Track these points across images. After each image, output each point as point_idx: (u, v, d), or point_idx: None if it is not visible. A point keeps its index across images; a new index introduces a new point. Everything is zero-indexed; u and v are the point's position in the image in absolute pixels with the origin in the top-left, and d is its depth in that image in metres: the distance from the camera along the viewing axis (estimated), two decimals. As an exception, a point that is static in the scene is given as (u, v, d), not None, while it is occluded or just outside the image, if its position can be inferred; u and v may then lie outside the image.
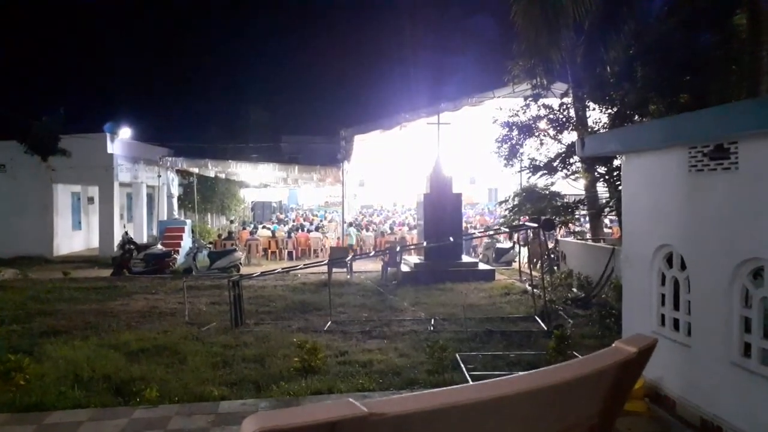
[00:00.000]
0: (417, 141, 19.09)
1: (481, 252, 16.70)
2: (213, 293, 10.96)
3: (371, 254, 11.89)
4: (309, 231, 19.90)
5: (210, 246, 16.58)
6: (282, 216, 28.81)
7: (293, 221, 25.51)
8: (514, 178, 17.05)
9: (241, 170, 19.93)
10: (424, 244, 11.98)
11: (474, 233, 14.75)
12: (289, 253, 18.13)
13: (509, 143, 12.24)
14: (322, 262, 10.58)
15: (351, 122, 17.72)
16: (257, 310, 9.23)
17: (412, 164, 24.96)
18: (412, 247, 13.14)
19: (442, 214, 13.18)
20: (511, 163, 12.45)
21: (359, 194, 42.36)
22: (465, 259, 13.99)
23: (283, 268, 10.13)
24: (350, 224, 21.28)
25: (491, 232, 14.05)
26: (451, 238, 10.28)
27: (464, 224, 18.88)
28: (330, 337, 7.43)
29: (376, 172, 29.62)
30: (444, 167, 14.07)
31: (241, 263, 15.11)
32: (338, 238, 19.09)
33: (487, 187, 40.99)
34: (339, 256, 13.14)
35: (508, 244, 16.50)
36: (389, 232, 19.52)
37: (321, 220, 25.35)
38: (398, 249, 12.02)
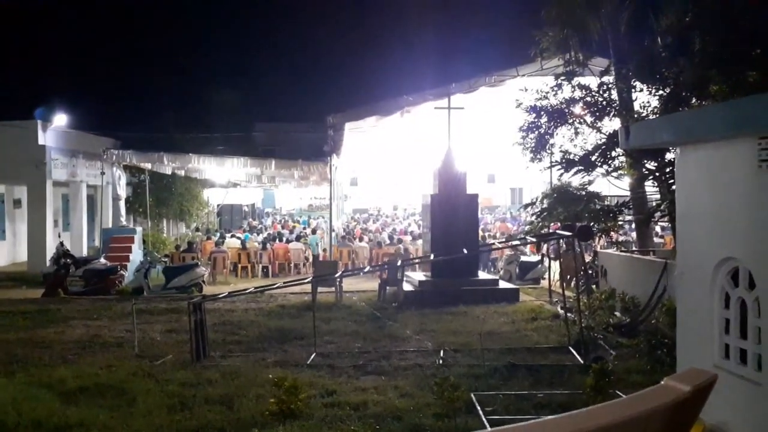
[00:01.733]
0: (422, 130, 19.18)
1: (501, 267, 16.78)
2: (169, 319, 11.00)
3: (366, 270, 12.04)
4: (288, 241, 19.96)
5: (166, 260, 16.64)
6: (255, 223, 28.80)
7: (269, 229, 25.59)
8: (542, 175, 17.14)
9: (205, 166, 19.92)
10: (431, 257, 12.00)
11: (493, 244, 14.66)
12: (264, 269, 18.26)
13: (536, 132, 12.33)
14: (304, 279, 10.48)
15: (341, 106, 17.92)
16: (224, 340, 9.30)
17: (416, 159, 25.09)
18: (417, 261, 13.16)
19: (453, 219, 13.20)
20: (538, 157, 12.53)
21: (351, 195, 42.47)
22: (482, 275, 13.99)
23: (256, 288, 10.19)
24: (314, 230, 21.61)
25: (514, 243, 14.00)
26: (465, 250, 10.37)
27: (481, 232, 19.03)
28: (314, 372, 7.48)
29: (372, 168, 29.85)
30: (456, 162, 14.04)
31: (204, 281, 15.18)
32: (324, 250, 19.23)
33: (509, 187, 41.56)
34: (326, 272, 13.09)
35: (535, 258, 16.52)
36: (388, 242, 19.61)
37: (304, 228, 25.46)
38: (399, 263, 12.02)
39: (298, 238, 20.37)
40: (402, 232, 23.14)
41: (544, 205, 12.81)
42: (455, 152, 14.28)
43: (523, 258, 16.62)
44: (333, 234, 19.56)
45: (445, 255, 11.32)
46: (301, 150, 19.85)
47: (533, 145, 12.49)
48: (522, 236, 13.19)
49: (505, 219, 29.36)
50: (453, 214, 13.28)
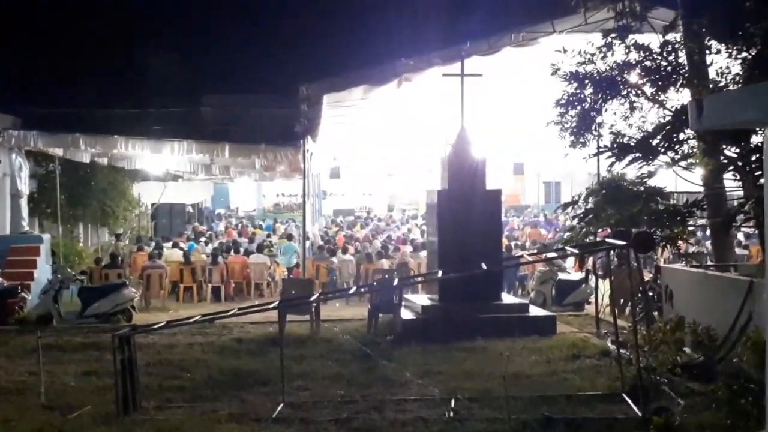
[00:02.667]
0: (427, 105, 19.35)
1: (533, 287, 16.89)
2: (87, 357, 10.93)
3: (351, 292, 12.17)
4: (248, 253, 20.03)
5: (82, 278, 16.53)
6: (203, 228, 28.85)
7: (221, 237, 25.61)
8: (586, 165, 17.08)
9: (136, 152, 19.90)
10: (439, 274, 11.96)
11: (521, 256, 14.60)
12: (216, 290, 18.41)
13: (579, 108, 12.34)
14: (269, 304, 10.53)
15: (317, 73, 17.94)
16: (161, 385, 9.31)
17: (418, 143, 25.43)
18: (420, 279, 13.29)
19: (468, 224, 13.21)
20: (581, 140, 12.59)
21: (332, 192, 42.29)
22: (507, 299, 14.06)
23: (204, 315, 10.11)
24: (289, 236, 21.69)
25: (550, 255, 14.04)
26: (484, 265, 10.03)
27: (505, 241, 19.10)
28: (282, 429, 7.47)
29: (360, 156, 30.04)
30: (472, 147, 14.05)
31: (134, 307, 15.20)
32: (297, 265, 19.18)
33: (543, 180, 42.61)
34: (298, 294, 13.07)
35: (577, 275, 16.62)
36: (381, 253, 19.69)
37: (268, 235, 25.42)
38: (396, 283, 12.00)
39: (260, 249, 20.27)
40: (400, 241, 23.05)
41: (589, 205, 12.74)
42: (471, 134, 14.18)
43: (562, 276, 16.56)
44: (307, 244, 19.42)
45: (457, 271, 11.22)
46: (264, 131, 19.27)
47: (575, 124, 12.45)
48: (560, 246, 12.77)
49: (538, 223, 29.57)
50: (468, 217, 13.22)
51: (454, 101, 14.72)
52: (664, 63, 12.00)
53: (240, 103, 21.61)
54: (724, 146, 11.41)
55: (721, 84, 11.32)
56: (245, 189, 42.24)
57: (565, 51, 12.70)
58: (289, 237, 22.59)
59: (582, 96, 12.41)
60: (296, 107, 17.30)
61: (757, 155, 10.67)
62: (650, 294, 12.43)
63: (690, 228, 12.83)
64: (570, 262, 18.03)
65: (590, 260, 15.24)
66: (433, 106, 18.86)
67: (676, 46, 12.02)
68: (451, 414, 7.90)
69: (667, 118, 12.01)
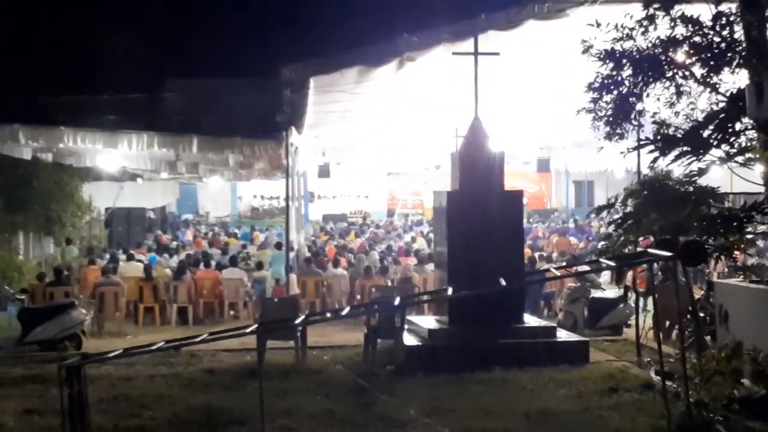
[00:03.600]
0: (434, 89, 19.49)
1: (561, 307, 17.04)
2: (29, 392, 10.88)
3: (344, 313, 11.82)
4: (221, 266, 20.15)
5: (22, 298, 16.56)
6: (167, 238, 29.11)
7: (189, 247, 25.83)
8: (625, 161, 17.27)
9: (87, 146, 19.92)
10: (449, 292, 11.58)
11: (548, 270, 14.14)
12: (182, 311, 18.46)
13: (616, 93, 12.34)
14: (246, 327, 10.31)
15: (303, 53, 19.84)
16: (117, 426, 9.28)
17: (423, 136, 25.46)
18: (426, 298, 13.45)
19: (483, 231, 13.26)
20: (618, 131, 12.65)
21: (321, 193, 42.93)
22: (530, 321, 13.99)
23: (168, 342, 9.79)
24: (278, 245, 22.05)
25: (582, 269, 14.07)
26: (503, 281, 9.97)
27: (528, 252, 19.30)
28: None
29: (354, 151, 30.90)
30: (488, 140, 14.11)
31: (84, 331, 15.16)
32: (278, 281, 18.99)
33: (573, 180, 45.09)
34: (281, 315, 13.19)
35: (614, 292, 16.69)
36: (380, 267, 19.88)
37: (244, 245, 25.56)
38: (398, 302, 11.61)
39: (234, 262, 20.23)
40: (401, 252, 23.27)
41: (629, 209, 12.68)
42: (486, 125, 14.21)
43: (595, 293, 16.66)
44: (291, 255, 19.24)
45: (471, 289, 11.13)
46: (239, 121, 20.02)
47: (610, 112, 12.46)
48: (593, 258, 13.02)
49: (567, 230, 29.85)
50: (483, 224, 13.29)
51: (467, 86, 14.65)
52: (716, 39, 11.84)
53: (211, 88, 21.65)
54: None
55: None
56: (217, 190, 42.15)
57: (598, 25, 12.52)
58: (278, 245, 22.58)
59: (619, 78, 12.34)
60: (278, 93, 17.31)
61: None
62: (701, 315, 12.44)
63: (749, 236, 12.50)
64: (605, 276, 18.21)
65: (629, 274, 15.33)
66: (442, 91, 18.94)
67: (732, 18, 11.80)
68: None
69: (721, 105, 11.95)
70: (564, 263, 18.30)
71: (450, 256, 13.48)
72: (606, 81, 12.50)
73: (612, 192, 15.95)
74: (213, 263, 20.64)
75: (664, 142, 12.12)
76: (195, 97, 21.07)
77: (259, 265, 20.43)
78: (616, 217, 13.00)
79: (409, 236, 29.10)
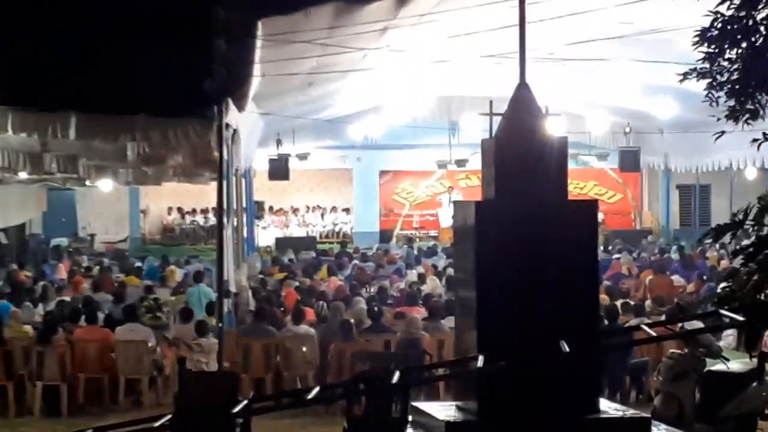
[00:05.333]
0: (452, 41, 20.88)
1: (660, 387, 16.55)
2: None
3: (311, 396, 11.42)
4: (113, 321, 19.89)
5: None
6: (27, 275, 29.19)
7: (64, 290, 25.87)
8: (759, 152, 17.72)
9: None
10: (479, 362, 10.85)
11: (638, 327, 13.92)
12: (51, 393, 18.29)
13: (745, 44, 11.28)
14: (154, 420, 9.76)
15: None
16: None
17: (435, 113, 25.08)
18: (442, 373, 13.72)
19: (533, 266, 12.45)
20: (749, 107, 11.47)
21: (273, 203, 44.82)
22: (609, 408, 12.92)
23: None
24: (198, 276, 22.86)
25: (691, 326, 14.16)
26: (565, 345, 9.90)
27: (605, 297, 19.90)
28: None
29: (326, 138, 33.26)
30: (541, 119, 13.47)
31: None
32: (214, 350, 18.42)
33: (676, 183, 43.98)
34: (209, 399, 13.19)
35: (743, 364, 16.33)
36: (370, 321, 19.94)
37: (149, 288, 25.44)
38: (397, 378, 11.10)
39: (133, 314, 19.86)
40: (403, 299, 23.27)
41: (766, 230, 11.88)
42: (539, 97, 13.47)
43: (714, 365, 16.25)
44: (227, 304, 19.32)
45: (513, 357, 10.50)
46: (144, 91, 19.23)
47: (736, 76, 11.42)
48: (710, 308, 12.11)
49: (667, 264, 29.81)
50: (533, 254, 12.42)
51: (506, 36, 15.13)
52: None
53: (97, 39, 20.82)
54: None
55: None
56: (108, 200, 42.73)
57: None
58: (198, 276, 22.96)
59: (751, 22, 11.20)
60: (205, 45, 17.59)
61: None
62: None
63: None
64: (729, 339, 18.29)
65: (767, 337, 16.03)
66: (463, 44, 20.26)
67: None
68: None
69: None
70: (662, 317, 18.59)
71: (480, 305, 12.30)
72: (730, 26, 11.61)
73: (738, 203, 15.45)
74: (101, 316, 20.18)
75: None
76: (71, 52, 20.52)
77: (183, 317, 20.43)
78: (745, 243, 12.04)
79: (415, 273, 28.79)
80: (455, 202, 15.08)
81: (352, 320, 20.03)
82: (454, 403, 12.82)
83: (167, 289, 25.98)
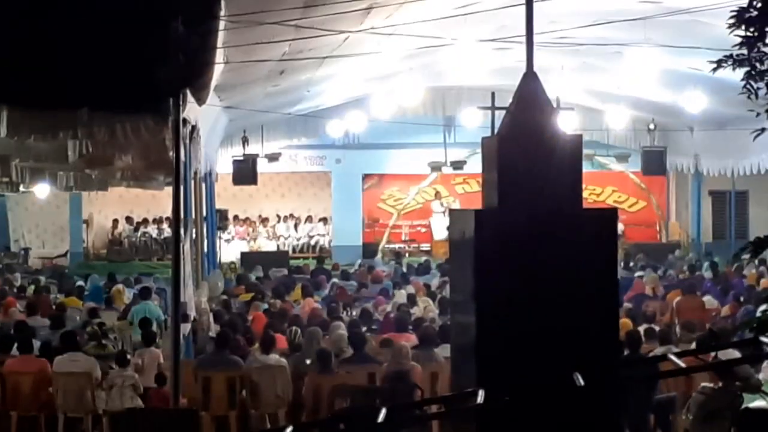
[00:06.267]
0: (448, 24, 21.42)
1: (689, 427, 16.68)
2: None
3: None
4: (50, 350, 19.62)
5: None
6: None
7: None
8: None
9: None
10: (479, 398, 10.86)
11: (664, 357, 14.13)
12: None
13: None
14: None
15: None
16: None
17: (428, 107, 25.15)
18: (435, 411, 13.55)
19: (542, 286, 12.06)
20: None
21: (239, 212, 45.87)
22: None
23: None
24: (144, 292, 22.97)
25: (726, 355, 14.32)
26: (580, 378, 9.98)
27: (625, 322, 19.57)
28: None
29: (300, 136, 32.92)
30: (551, 114, 13.07)
31: None
32: (162, 378, 18.57)
33: (709, 189, 44.20)
34: None
35: None
36: (352, 351, 19.78)
37: (96, 309, 25.32)
38: (382, 417, 11.17)
39: (73, 341, 19.53)
40: (390, 324, 23.34)
41: None
42: (545, 88, 12.98)
43: (752, 401, 16.09)
44: (184, 329, 19.58)
45: (520, 391, 10.27)
46: (87, 79, 19.27)
47: None
48: (747, 335, 11.98)
49: (698, 283, 29.75)
50: (542, 271, 12.08)
51: (510, 21, 16.41)
52: None
53: (31, 22, 20.98)
54: None
55: None
56: (44, 208, 42.22)
57: None
58: (144, 293, 23.05)
59: None
60: (159, 26, 17.58)
61: None
62: None
63: None
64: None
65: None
66: (460, 26, 20.55)
67: None
68: None
69: None
70: (693, 345, 18.38)
71: (480, 331, 11.86)
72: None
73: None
74: (36, 344, 19.78)
75: None
76: (3, 33, 20.74)
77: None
78: None
79: (404, 294, 28.79)
80: (451, 211, 15.14)
81: (330, 349, 19.82)
82: (451, 440, 12.20)
83: (114, 312, 25.57)
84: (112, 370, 19.48)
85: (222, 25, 17.28)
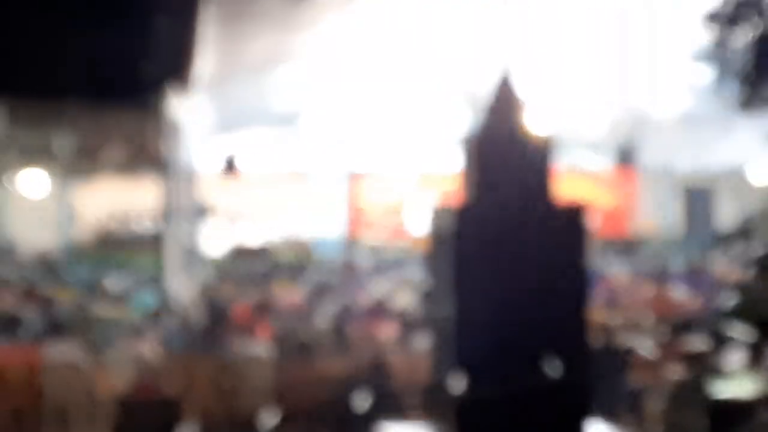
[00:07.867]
0: (429, 21, 22.29)
1: (658, 416, 16.77)
2: None
3: (269, 429, 11.83)
4: (39, 340, 19.77)
5: None
6: None
7: None
8: None
9: None
10: (458, 387, 11.79)
11: (636, 348, 15.74)
12: None
13: (763, 24, 12.62)
14: None
15: None
16: None
17: (409, 103, 25.60)
18: (414, 400, 14.47)
19: (517, 280, 12.82)
20: (763, 92, 13.33)
21: (224, 206, 45.30)
22: None
23: None
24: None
25: (695, 346, 15.31)
26: (554, 369, 11.01)
27: (597, 316, 18.95)
28: None
29: (286, 131, 30.88)
30: (525, 112, 13.59)
31: None
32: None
33: (683, 186, 43.62)
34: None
35: (752, 385, 16.33)
36: (333, 341, 19.92)
37: (86, 302, 25.96)
38: (367, 408, 13.40)
39: (59, 334, 19.99)
40: (371, 315, 23.91)
41: None
42: (523, 85, 13.67)
43: (720, 389, 16.71)
44: (170, 325, 20.11)
45: (496, 382, 11.32)
46: (74, 69, 19.81)
47: (754, 61, 12.51)
48: (716, 326, 14.21)
49: (666, 276, 30.71)
50: (517, 266, 12.92)
51: (487, 18, 15.66)
52: None
53: (16, 14, 21.14)
54: None
55: None
56: (36, 201, 42.23)
57: None
58: (131, 286, 23.44)
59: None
60: (143, 18, 18.38)
61: None
62: None
63: None
64: (736, 358, 18.46)
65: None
66: (442, 25, 20.73)
67: None
68: None
69: None
70: (664, 336, 18.64)
71: (460, 323, 12.78)
72: (743, 2, 12.34)
73: (750, 207, 15.58)
74: (24, 335, 20.19)
75: None
76: None
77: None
78: (758, 254, 12.78)
79: (385, 287, 29.29)
80: (432, 208, 15.46)
81: (311, 340, 20.08)
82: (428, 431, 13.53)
83: (102, 304, 25.87)
84: (99, 361, 19.77)
85: (206, 18, 17.58)
